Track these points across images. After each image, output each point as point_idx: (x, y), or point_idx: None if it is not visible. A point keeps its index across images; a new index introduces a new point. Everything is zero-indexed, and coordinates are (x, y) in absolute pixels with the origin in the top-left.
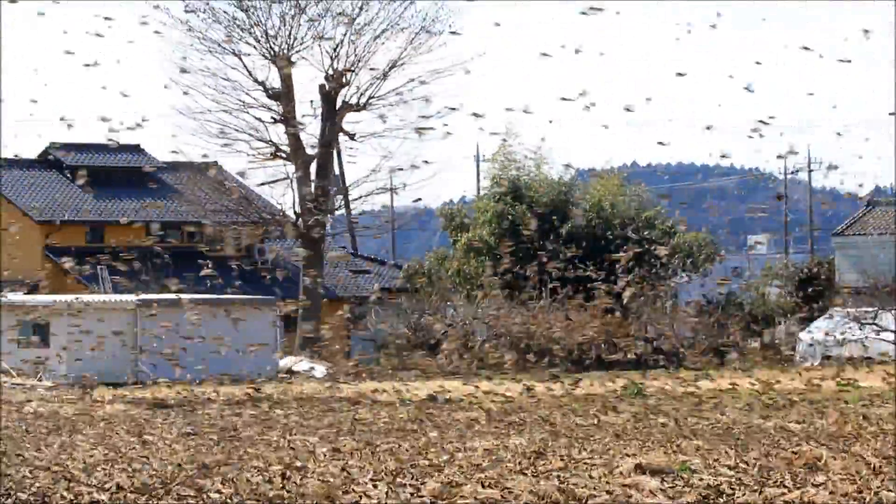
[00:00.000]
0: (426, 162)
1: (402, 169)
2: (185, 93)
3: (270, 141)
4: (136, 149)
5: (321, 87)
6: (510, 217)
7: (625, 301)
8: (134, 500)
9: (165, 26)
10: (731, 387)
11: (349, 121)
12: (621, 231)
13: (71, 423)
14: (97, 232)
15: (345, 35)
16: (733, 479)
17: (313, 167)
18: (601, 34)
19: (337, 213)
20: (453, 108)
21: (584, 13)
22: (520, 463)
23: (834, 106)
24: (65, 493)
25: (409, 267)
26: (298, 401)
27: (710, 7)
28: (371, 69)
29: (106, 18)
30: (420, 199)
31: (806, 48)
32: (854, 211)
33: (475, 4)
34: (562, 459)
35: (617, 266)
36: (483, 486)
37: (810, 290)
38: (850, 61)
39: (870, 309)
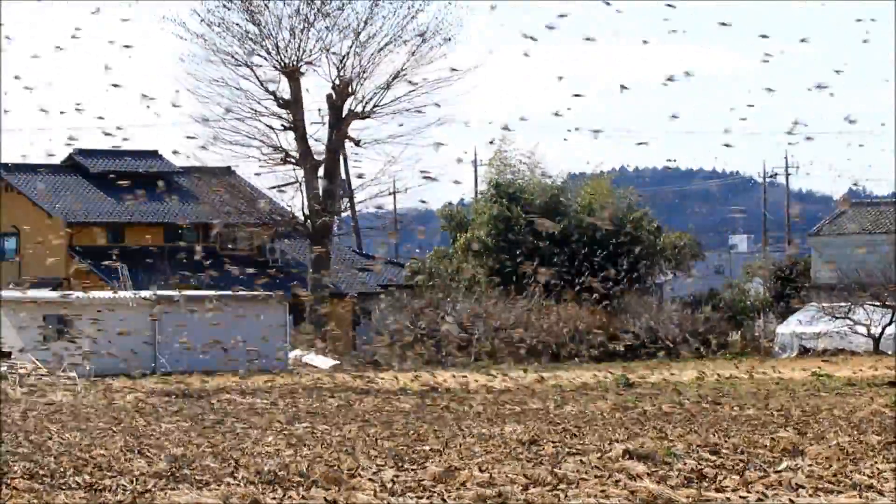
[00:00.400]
0: (430, 177)
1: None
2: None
3: (280, 147)
4: (154, 154)
5: (328, 96)
6: (506, 218)
7: (602, 296)
8: (153, 484)
9: (183, 40)
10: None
11: (354, 128)
12: (611, 231)
13: (93, 413)
14: (117, 233)
15: (350, 48)
16: (716, 463)
17: (321, 172)
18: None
19: (343, 214)
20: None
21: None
22: (515, 449)
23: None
24: (87, 478)
25: (410, 265)
26: (306, 390)
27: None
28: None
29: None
30: (425, 202)
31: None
32: (829, 212)
33: (474, 16)
34: (554, 446)
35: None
36: (480, 471)
37: (788, 286)
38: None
39: (843, 304)
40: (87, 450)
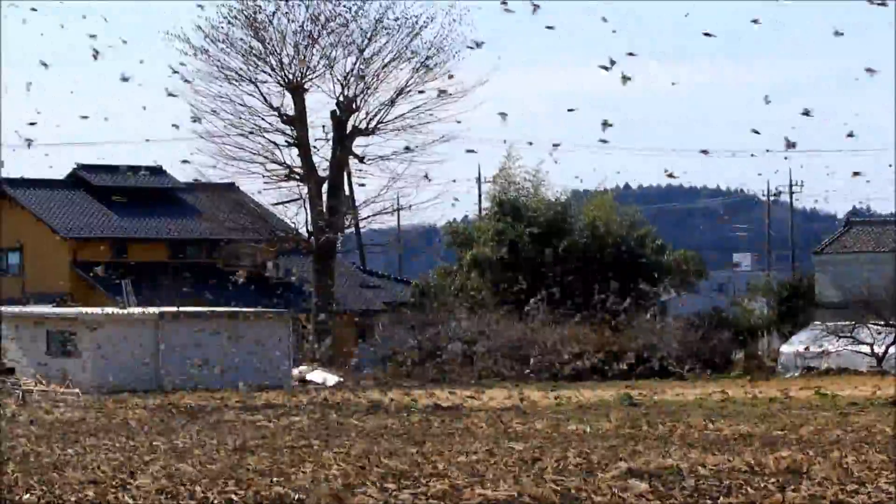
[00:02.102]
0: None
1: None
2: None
3: (284, 163)
4: (158, 170)
5: (332, 112)
6: (510, 236)
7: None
8: (157, 501)
9: (186, 55)
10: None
11: (358, 144)
12: (614, 249)
13: (97, 429)
14: (121, 248)
15: (355, 64)
16: (719, 483)
17: (325, 188)
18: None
19: (347, 230)
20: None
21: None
22: (518, 467)
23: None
24: (91, 494)
25: (416, 284)
26: (309, 407)
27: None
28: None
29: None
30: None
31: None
32: (833, 230)
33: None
34: (557, 463)
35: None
36: (483, 489)
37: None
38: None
39: (847, 323)
40: (88, 466)
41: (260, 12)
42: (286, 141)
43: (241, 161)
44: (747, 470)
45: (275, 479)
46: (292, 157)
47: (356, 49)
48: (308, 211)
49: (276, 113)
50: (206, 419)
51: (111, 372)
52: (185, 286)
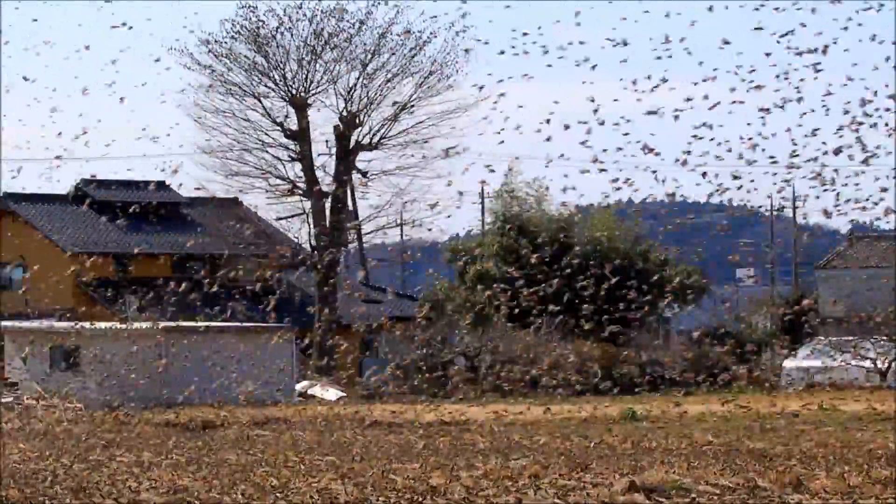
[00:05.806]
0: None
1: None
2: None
3: (288, 178)
4: (161, 185)
5: (335, 127)
6: (514, 251)
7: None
8: None
9: (189, 69)
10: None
11: (362, 159)
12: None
13: (99, 444)
14: (124, 263)
15: (358, 79)
16: (722, 497)
17: (328, 203)
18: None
19: (350, 245)
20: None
21: None
22: (522, 482)
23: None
24: None
25: (424, 298)
26: (312, 423)
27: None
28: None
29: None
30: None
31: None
32: (836, 245)
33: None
34: (561, 478)
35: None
36: None
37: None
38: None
39: (850, 338)
40: (92, 480)
41: (263, 27)
42: (289, 156)
43: (244, 176)
44: (749, 485)
45: (278, 494)
46: (296, 171)
47: (359, 64)
48: (311, 226)
49: (279, 128)
50: (209, 434)
51: (114, 386)
52: (188, 301)
